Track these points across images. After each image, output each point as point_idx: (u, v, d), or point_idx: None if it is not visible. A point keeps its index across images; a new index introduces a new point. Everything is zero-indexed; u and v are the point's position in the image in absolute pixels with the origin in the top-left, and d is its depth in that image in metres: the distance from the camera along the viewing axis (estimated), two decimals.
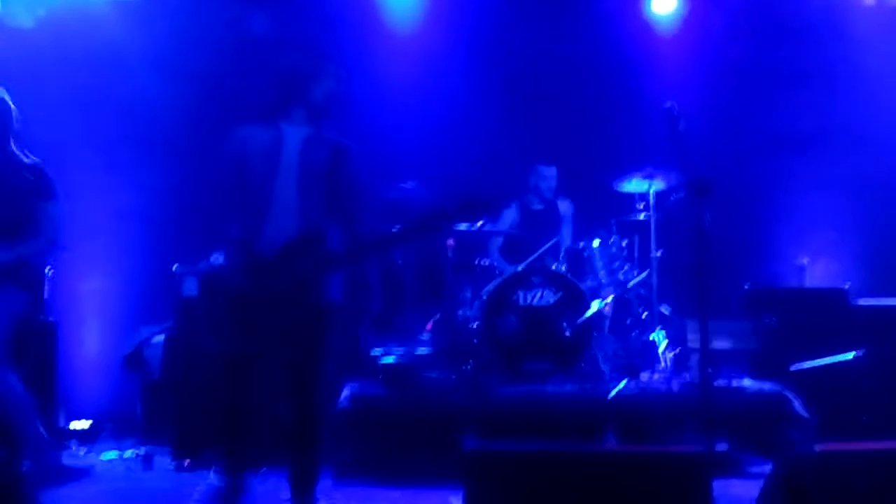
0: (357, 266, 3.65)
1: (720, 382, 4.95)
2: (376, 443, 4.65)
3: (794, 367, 5.23)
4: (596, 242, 5.68)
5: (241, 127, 3.64)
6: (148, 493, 4.43)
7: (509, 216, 6.31)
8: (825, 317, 5.43)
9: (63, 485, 4.41)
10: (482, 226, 5.64)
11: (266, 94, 3.64)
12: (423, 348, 5.58)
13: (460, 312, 5.73)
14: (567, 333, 5.26)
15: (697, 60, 6.76)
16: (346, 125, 3.71)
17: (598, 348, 5.41)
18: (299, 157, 3.54)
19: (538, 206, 6.37)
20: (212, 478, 3.55)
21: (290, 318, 3.46)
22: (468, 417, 4.60)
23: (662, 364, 5.38)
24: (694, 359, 5.14)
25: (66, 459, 4.89)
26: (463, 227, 5.49)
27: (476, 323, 5.53)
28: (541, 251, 5.71)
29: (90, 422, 5.66)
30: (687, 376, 5.23)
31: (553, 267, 5.65)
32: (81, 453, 5.24)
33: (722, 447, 4.50)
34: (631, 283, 5.69)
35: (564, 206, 6.38)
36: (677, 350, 5.46)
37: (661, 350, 5.44)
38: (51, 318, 4.96)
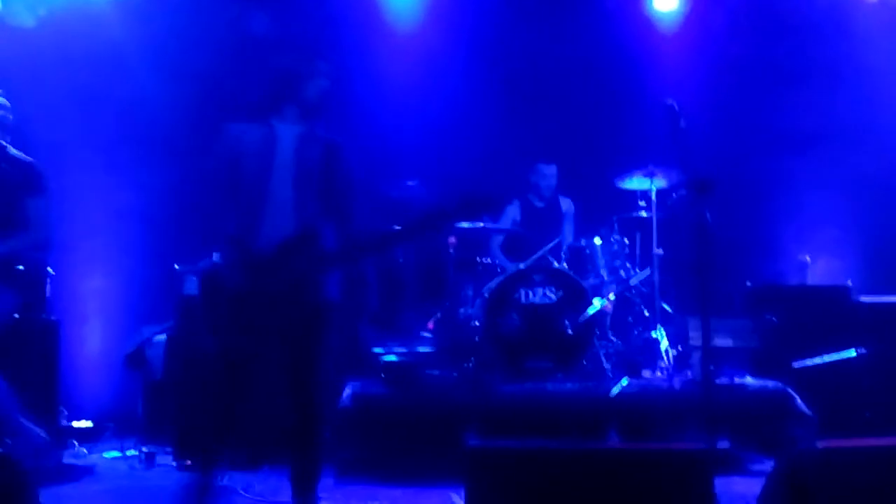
0: (354, 264, 3.64)
1: (722, 380, 4.95)
2: (378, 441, 4.65)
3: (796, 365, 5.22)
4: (597, 240, 5.68)
5: (232, 124, 3.62)
6: (150, 493, 4.42)
7: (511, 214, 6.31)
8: (827, 314, 5.43)
9: (65, 484, 4.42)
10: (483, 224, 5.65)
11: (258, 91, 3.63)
12: (424, 346, 5.58)
13: (462, 310, 5.73)
14: (569, 331, 5.25)
15: (699, 58, 6.75)
16: (347, 124, 3.71)
17: (599, 346, 5.40)
18: (294, 155, 3.53)
19: (539, 204, 6.37)
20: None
21: (288, 316, 3.45)
22: (470, 415, 4.60)
23: (664, 362, 5.38)
24: (696, 356, 5.14)
25: (68, 458, 4.90)
26: (465, 224, 5.49)
27: (478, 321, 5.53)
28: (543, 251, 5.70)
29: (92, 421, 5.66)
30: (689, 374, 5.23)
31: (555, 265, 5.64)
32: (83, 452, 5.24)
33: (724, 445, 4.50)
34: (633, 281, 5.69)
35: (566, 205, 6.37)
36: (679, 348, 5.46)
37: (662, 348, 5.44)
38: (52, 318, 4.95)
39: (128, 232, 6.32)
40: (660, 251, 5.69)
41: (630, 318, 5.82)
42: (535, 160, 6.36)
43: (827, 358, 5.17)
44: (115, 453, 5.22)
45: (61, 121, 6.01)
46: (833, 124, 6.61)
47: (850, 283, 5.65)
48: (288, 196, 3.49)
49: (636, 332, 5.76)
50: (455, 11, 6.80)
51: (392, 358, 5.24)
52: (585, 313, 5.27)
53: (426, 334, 5.82)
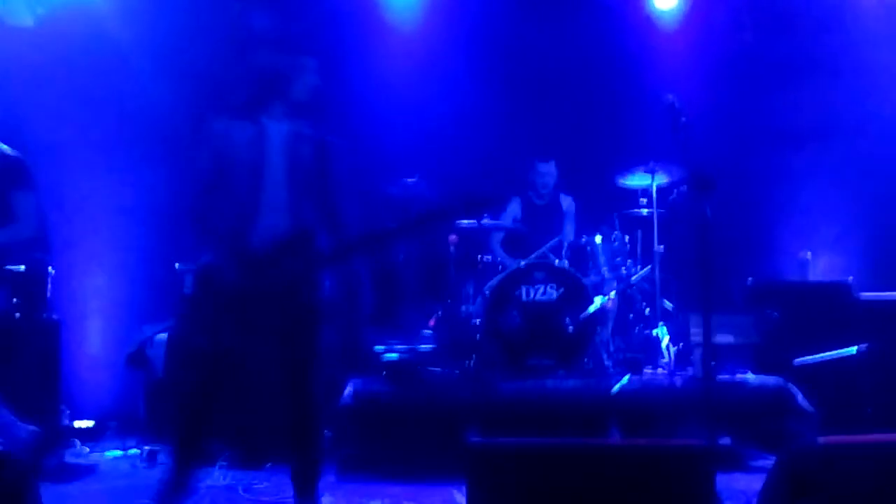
0: (348, 263, 3.62)
1: (723, 377, 4.95)
2: (380, 439, 4.66)
3: (797, 362, 5.22)
4: (598, 238, 5.67)
5: (216, 120, 3.55)
6: (152, 491, 4.41)
7: (512, 211, 6.30)
8: (828, 311, 5.42)
9: (67, 483, 4.42)
10: (484, 221, 5.64)
11: (246, 87, 3.58)
12: (425, 344, 5.58)
13: (463, 308, 5.73)
14: (570, 329, 5.25)
15: (699, 55, 6.74)
16: (347, 122, 3.70)
17: (600, 343, 5.40)
18: (285, 154, 3.50)
19: (540, 202, 6.36)
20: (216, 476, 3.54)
21: (282, 316, 3.44)
22: (471, 413, 4.60)
23: (665, 359, 5.38)
24: (697, 353, 5.13)
25: (70, 458, 4.90)
26: (465, 222, 5.48)
27: (479, 319, 5.53)
28: (544, 248, 5.70)
29: (94, 420, 5.66)
30: (690, 371, 5.23)
31: (556, 262, 5.64)
32: (85, 451, 5.24)
33: (725, 441, 4.51)
34: (634, 278, 5.68)
35: (566, 202, 6.37)
36: (680, 345, 5.45)
37: (663, 345, 5.44)
38: (53, 317, 4.95)
39: (128, 231, 6.32)
40: (661, 248, 5.68)
41: (631, 316, 5.82)
42: (534, 158, 6.36)
43: (828, 355, 5.16)
44: (117, 452, 5.23)
45: (61, 121, 6.00)
46: (834, 120, 6.61)
47: (851, 279, 5.65)
48: (281, 195, 3.46)
49: (637, 329, 5.76)
50: (455, 10, 6.79)
51: (393, 356, 5.24)
52: (586, 311, 5.27)
53: (427, 332, 5.82)
